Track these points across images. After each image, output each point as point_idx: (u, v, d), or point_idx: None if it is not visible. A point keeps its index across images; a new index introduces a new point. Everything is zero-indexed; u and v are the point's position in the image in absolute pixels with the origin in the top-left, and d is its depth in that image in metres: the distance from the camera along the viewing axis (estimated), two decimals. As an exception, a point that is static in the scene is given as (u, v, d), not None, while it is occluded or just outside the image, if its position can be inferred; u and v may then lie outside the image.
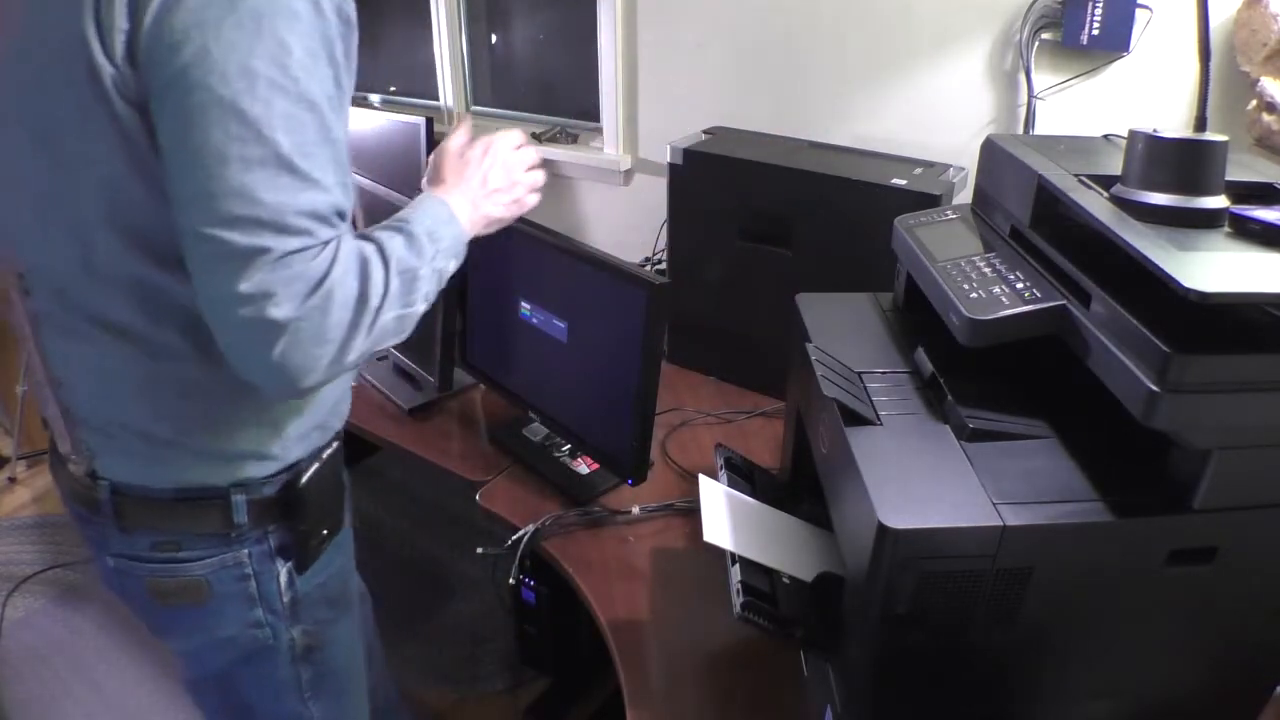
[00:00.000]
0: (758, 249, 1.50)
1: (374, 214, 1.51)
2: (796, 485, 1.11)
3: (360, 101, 2.71)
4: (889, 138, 1.68)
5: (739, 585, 0.87)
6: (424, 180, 1.00)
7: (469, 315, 1.55)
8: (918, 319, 0.98)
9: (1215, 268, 0.65)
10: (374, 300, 0.76)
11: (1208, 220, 0.72)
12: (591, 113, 2.16)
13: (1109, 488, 0.72)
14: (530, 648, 1.51)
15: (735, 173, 1.49)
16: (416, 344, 1.57)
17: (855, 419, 0.80)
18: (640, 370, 1.20)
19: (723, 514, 0.95)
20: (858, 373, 0.89)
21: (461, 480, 1.40)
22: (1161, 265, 0.63)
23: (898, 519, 0.68)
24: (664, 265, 1.71)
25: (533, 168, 1.06)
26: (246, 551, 0.93)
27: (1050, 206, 0.83)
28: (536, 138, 2.24)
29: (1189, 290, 0.60)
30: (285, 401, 0.90)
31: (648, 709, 0.97)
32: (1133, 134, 0.77)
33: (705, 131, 1.69)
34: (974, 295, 0.81)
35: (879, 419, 0.81)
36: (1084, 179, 0.81)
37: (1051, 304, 0.78)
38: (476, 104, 2.48)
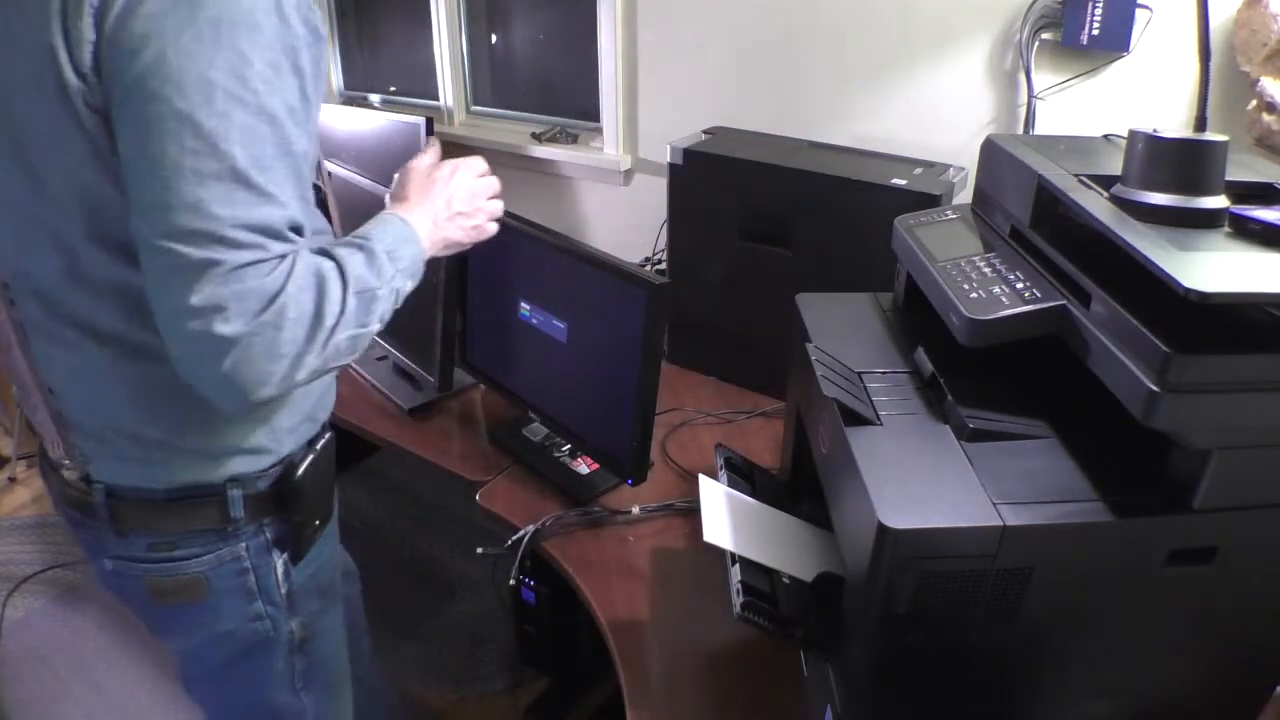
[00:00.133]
0: (758, 249, 1.50)
1: (372, 214, 1.50)
2: (796, 485, 1.11)
3: (360, 101, 2.71)
4: (889, 138, 1.68)
5: (739, 585, 0.87)
6: (387, 197, 0.99)
7: (469, 315, 1.55)
8: (918, 319, 0.98)
9: (1215, 268, 0.65)
10: (329, 319, 0.75)
11: (1208, 220, 0.72)
12: (591, 113, 2.16)
13: (1109, 488, 0.72)
14: (530, 648, 1.51)
15: (735, 173, 1.49)
16: (416, 344, 1.57)
17: (855, 419, 0.80)
18: (640, 370, 1.20)
19: (723, 514, 0.95)
20: (858, 373, 0.89)
21: (461, 480, 1.40)
22: (1161, 265, 0.63)
23: (898, 519, 0.68)
24: (664, 265, 1.71)
25: (494, 197, 1.06)
26: (244, 545, 0.93)
27: (1050, 206, 0.83)
28: (536, 138, 2.24)
29: (1189, 290, 0.60)
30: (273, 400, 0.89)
31: (648, 709, 0.97)
32: (1133, 134, 0.77)
33: (705, 131, 1.69)
34: (974, 295, 0.81)
35: (879, 419, 0.81)
36: (1084, 179, 0.81)
37: (1051, 304, 0.78)
38: (476, 104, 2.48)
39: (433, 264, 1.45)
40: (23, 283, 0.84)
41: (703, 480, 1.00)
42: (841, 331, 0.98)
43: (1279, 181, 0.80)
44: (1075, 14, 1.41)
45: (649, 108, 2.04)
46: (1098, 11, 1.39)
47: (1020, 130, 1.55)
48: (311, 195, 0.81)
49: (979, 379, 0.84)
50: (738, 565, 0.90)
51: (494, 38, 2.44)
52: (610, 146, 2.11)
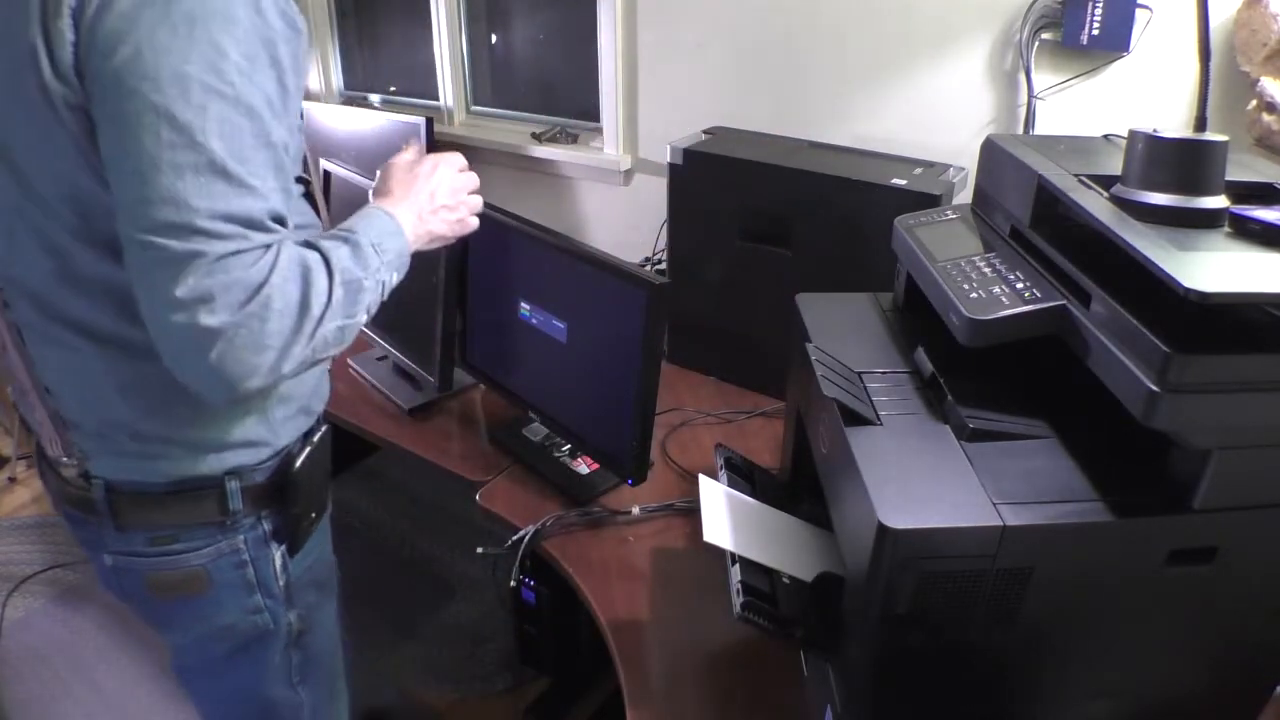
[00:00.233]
0: (758, 249, 1.50)
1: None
2: (796, 485, 1.11)
3: (360, 101, 2.71)
4: (889, 138, 1.67)
5: (739, 585, 0.87)
6: (370, 192, 0.99)
7: (469, 315, 1.55)
8: (918, 319, 0.98)
9: (1215, 268, 0.65)
10: (316, 309, 0.75)
11: (1208, 220, 0.72)
12: (591, 113, 2.16)
13: (1109, 488, 0.72)
14: (530, 648, 1.51)
15: (735, 173, 1.49)
16: (416, 344, 1.57)
17: (855, 419, 0.80)
18: (640, 370, 1.20)
19: (723, 514, 0.95)
20: (858, 373, 0.89)
21: (461, 480, 1.40)
22: (1161, 265, 0.63)
23: (898, 519, 0.68)
24: (664, 265, 1.71)
25: (474, 192, 1.06)
26: (242, 538, 0.94)
27: (1050, 206, 0.83)
28: (536, 138, 2.24)
29: (1189, 290, 0.60)
30: (267, 392, 0.89)
31: (648, 709, 0.97)
32: (1133, 134, 0.77)
33: (705, 131, 1.69)
34: (974, 295, 0.81)
35: (879, 419, 0.81)
36: (1084, 179, 0.81)
37: (1051, 304, 0.78)
38: (476, 104, 2.48)
39: (433, 264, 1.46)
40: (15, 284, 0.85)
41: (703, 480, 1.00)
42: (841, 331, 0.98)
43: (1279, 181, 0.80)
44: (1075, 14, 1.41)
45: (649, 108, 2.04)
46: (1098, 11, 1.39)
47: (1020, 130, 1.55)
48: (294, 187, 0.81)
49: (979, 379, 0.84)
50: (738, 565, 0.90)
51: (494, 38, 2.44)
52: (610, 146, 2.11)
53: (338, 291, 0.77)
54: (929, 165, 1.45)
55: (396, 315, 1.62)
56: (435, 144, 1.91)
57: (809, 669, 0.95)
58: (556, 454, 1.41)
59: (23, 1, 0.70)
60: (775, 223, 1.47)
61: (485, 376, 1.56)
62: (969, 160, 1.26)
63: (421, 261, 1.47)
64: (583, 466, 1.38)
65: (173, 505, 0.90)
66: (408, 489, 2.47)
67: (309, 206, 0.95)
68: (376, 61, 2.72)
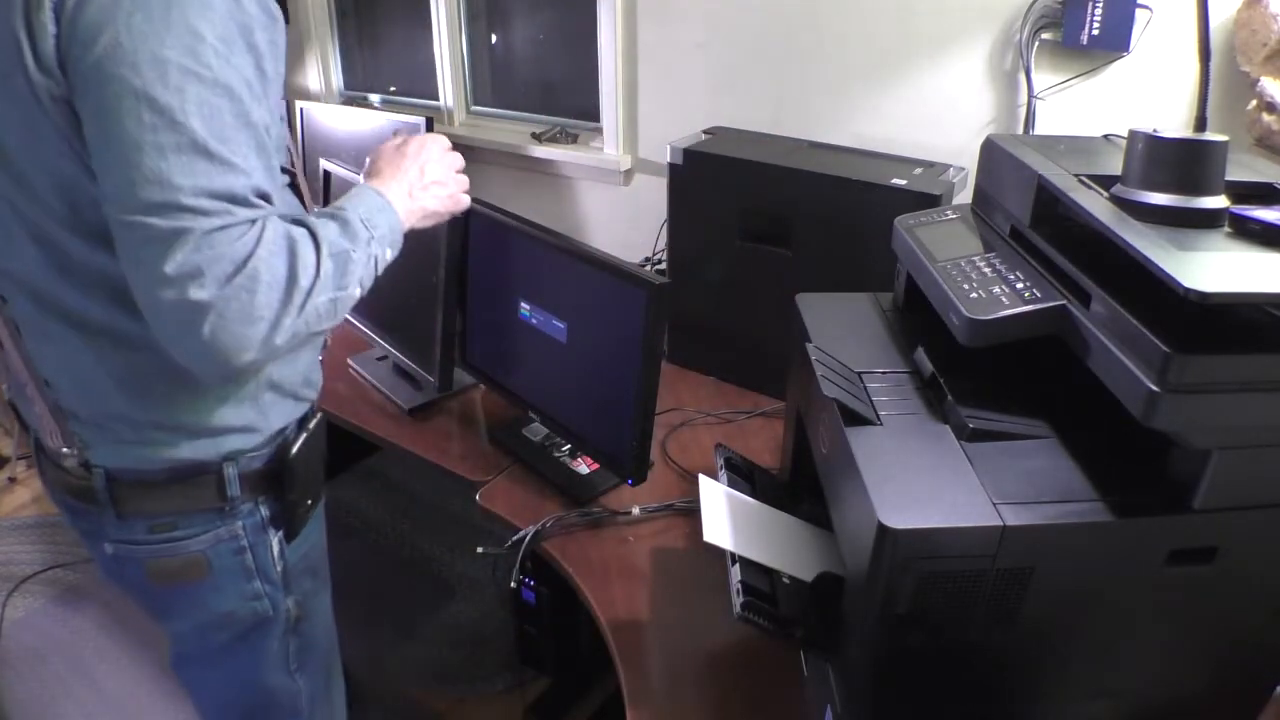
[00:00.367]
0: (758, 249, 1.50)
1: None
2: (796, 485, 1.11)
3: (360, 101, 2.71)
4: (889, 138, 1.68)
5: (739, 585, 0.87)
6: (361, 176, 1.01)
7: (469, 315, 1.55)
8: (918, 319, 0.98)
9: (1215, 268, 0.65)
10: (304, 281, 0.76)
11: (1208, 220, 0.72)
12: (591, 113, 2.16)
13: (1109, 488, 0.72)
14: (530, 648, 1.51)
15: (735, 173, 1.49)
16: (416, 344, 1.57)
17: (855, 419, 0.80)
18: (640, 370, 1.20)
19: (723, 514, 0.95)
20: (858, 373, 0.89)
21: (461, 480, 1.40)
22: (1161, 265, 0.63)
23: (898, 519, 0.68)
24: (664, 265, 1.71)
25: (460, 171, 1.07)
26: (240, 524, 0.96)
27: (1050, 206, 0.83)
28: (536, 138, 2.24)
29: (1189, 290, 0.60)
30: (255, 376, 0.92)
31: (648, 709, 0.97)
32: (1133, 134, 0.77)
33: (705, 131, 1.69)
34: (974, 295, 0.81)
35: (879, 419, 0.81)
36: (1084, 179, 0.81)
37: (1051, 304, 0.78)
38: (476, 104, 2.48)
39: (433, 264, 1.46)
40: (12, 278, 0.87)
41: (703, 480, 1.00)
42: (841, 331, 0.98)
43: (1279, 181, 0.80)
44: (1075, 14, 1.41)
45: (649, 108, 2.04)
46: (1098, 11, 1.39)
47: (1020, 130, 1.55)
48: (278, 170, 0.82)
49: (979, 379, 0.84)
50: (738, 565, 0.90)
51: (494, 38, 2.44)
52: (610, 146, 2.11)
53: (326, 264, 0.79)
54: (929, 165, 1.45)
55: (396, 315, 1.62)
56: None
57: (809, 669, 0.95)
58: (556, 454, 1.41)
59: None
60: (775, 223, 1.47)
61: (485, 376, 1.56)
62: (969, 160, 1.26)
63: (421, 261, 1.49)
64: (583, 466, 1.38)
65: (172, 491, 0.91)
66: (408, 489, 2.47)
67: (295, 198, 0.95)
68: (376, 61, 2.72)
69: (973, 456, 0.76)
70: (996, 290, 0.81)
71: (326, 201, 1.70)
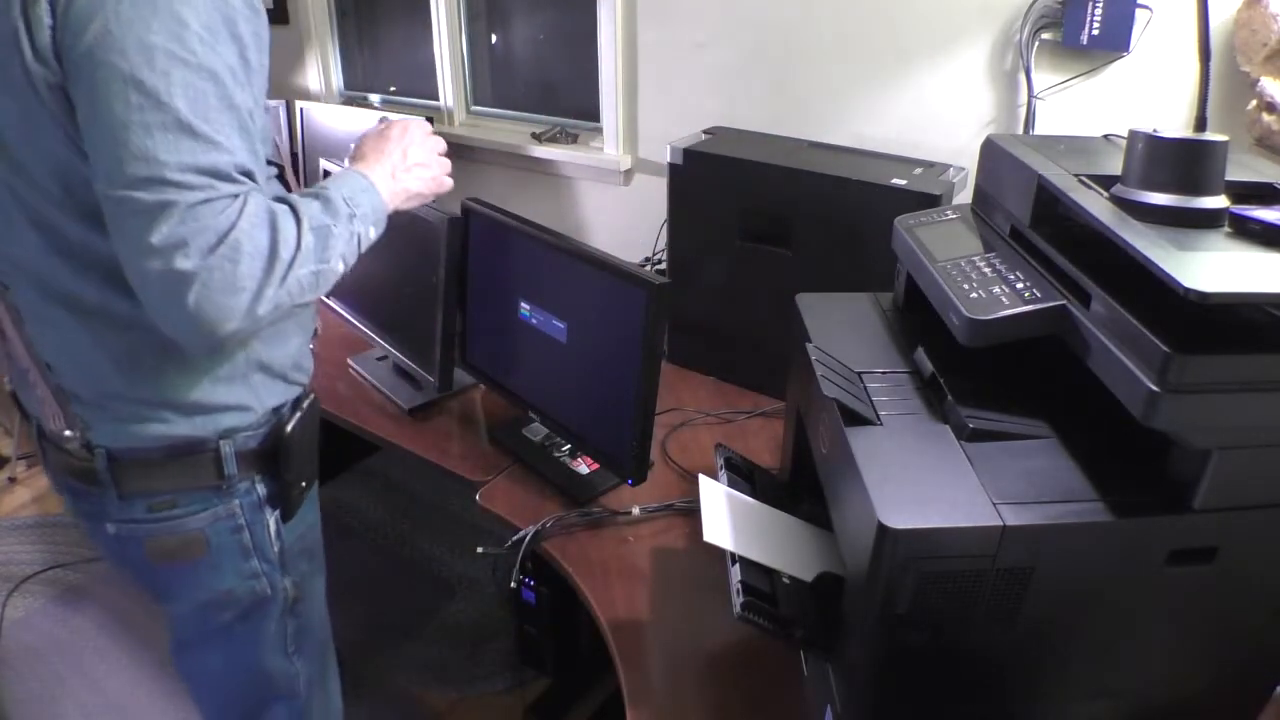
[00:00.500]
0: (758, 249, 1.50)
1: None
2: (796, 485, 1.11)
3: (360, 101, 2.71)
4: (889, 138, 1.68)
5: (739, 585, 0.87)
6: (345, 161, 1.04)
7: (469, 315, 1.55)
8: (918, 319, 0.98)
9: (1215, 268, 0.65)
10: (285, 253, 0.79)
11: (1208, 220, 0.72)
12: (591, 113, 2.16)
13: (1109, 488, 0.72)
14: (530, 648, 1.51)
15: (735, 173, 1.49)
16: (416, 344, 1.57)
17: (855, 419, 0.80)
18: (640, 370, 1.20)
19: (723, 514, 0.95)
20: (858, 373, 0.89)
21: (461, 480, 1.40)
22: (1161, 265, 0.63)
23: (898, 519, 0.68)
24: (664, 265, 1.71)
25: (443, 154, 1.10)
26: (238, 503, 0.99)
27: (1050, 206, 0.83)
28: (536, 138, 2.24)
29: (1189, 290, 0.60)
30: (244, 353, 0.94)
31: (648, 709, 0.97)
32: (1133, 134, 0.77)
33: (705, 131, 1.69)
34: (974, 295, 0.81)
35: (879, 419, 0.81)
36: (1084, 179, 0.81)
37: (1051, 304, 0.78)
38: (476, 104, 2.48)
39: (433, 264, 1.46)
40: (13, 263, 0.89)
41: (703, 480, 1.00)
42: (841, 331, 0.98)
43: (1279, 181, 0.80)
44: (1075, 14, 1.41)
45: (649, 108, 2.04)
46: (1098, 11, 1.39)
47: (1020, 130, 1.55)
48: (263, 156, 0.85)
49: (979, 379, 0.84)
50: (738, 565, 0.90)
51: (494, 38, 2.44)
52: (610, 146, 2.11)
53: (307, 237, 0.82)
54: (929, 165, 1.45)
55: (396, 315, 1.63)
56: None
57: (809, 669, 0.95)
58: (556, 454, 1.41)
59: None
60: (775, 223, 1.47)
61: (485, 376, 1.56)
62: (969, 160, 1.26)
63: (421, 261, 1.49)
64: (583, 466, 1.38)
65: (171, 469, 0.94)
66: (408, 489, 2.47)
67: (281, 189, 0.97)
68: (376, 61, 2.72)
69: (973, 456, 0.76)
70: (996, 290, 0.81)
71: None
